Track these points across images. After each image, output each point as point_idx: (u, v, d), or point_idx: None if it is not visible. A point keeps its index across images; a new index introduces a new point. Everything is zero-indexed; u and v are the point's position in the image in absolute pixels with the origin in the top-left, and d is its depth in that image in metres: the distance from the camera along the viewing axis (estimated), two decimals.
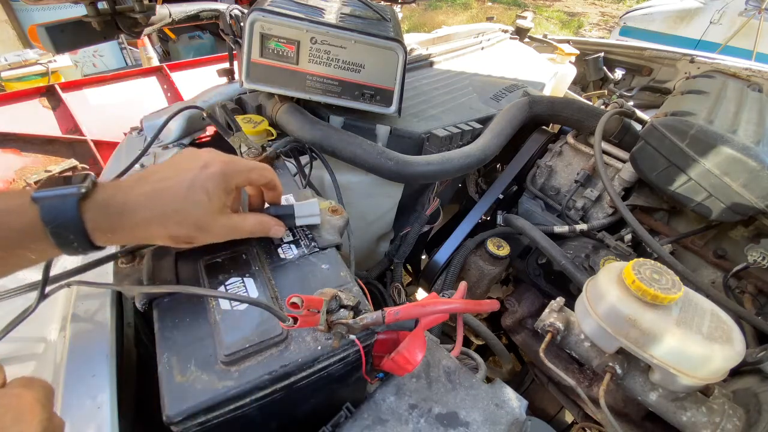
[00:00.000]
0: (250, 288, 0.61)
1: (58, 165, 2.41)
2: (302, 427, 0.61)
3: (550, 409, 1.31)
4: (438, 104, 1.36)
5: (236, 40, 1.24)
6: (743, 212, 1.00)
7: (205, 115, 0.92)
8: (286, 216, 0.70)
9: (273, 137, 1.10)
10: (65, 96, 2.64)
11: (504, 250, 1.26)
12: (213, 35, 5.61)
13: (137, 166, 1.01)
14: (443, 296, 0.99)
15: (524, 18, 2.43)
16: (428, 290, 1.41)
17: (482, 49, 2.03)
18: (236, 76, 1.41)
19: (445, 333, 1.40)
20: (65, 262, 0.77)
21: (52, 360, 0.61)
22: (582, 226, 1.25)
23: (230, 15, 1.23)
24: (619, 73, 2.39)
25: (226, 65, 1.39)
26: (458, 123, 1.25)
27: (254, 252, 0.67)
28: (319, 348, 0.54)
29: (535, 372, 1.26)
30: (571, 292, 1.20)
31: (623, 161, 1.28)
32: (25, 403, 0.34)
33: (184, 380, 0.49)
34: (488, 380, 0.73)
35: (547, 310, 0.90)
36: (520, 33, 2.40)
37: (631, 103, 1.80)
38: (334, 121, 1.13)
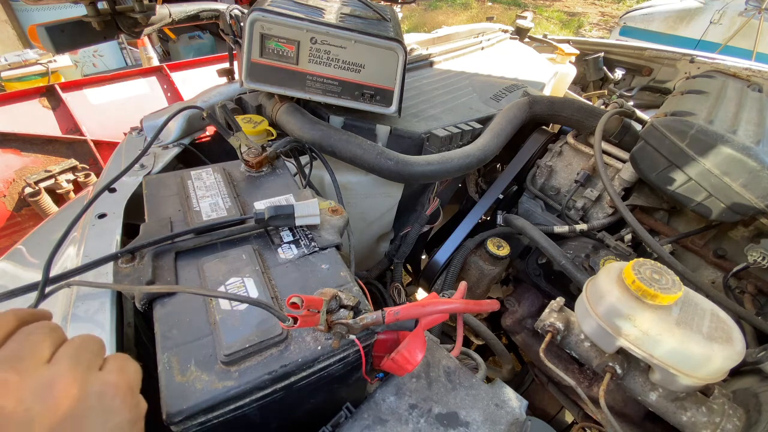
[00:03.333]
0: (250, 288, 0.61)
1: (58, 165, 2.41)
2: (302, 427, 0.61)
3: (550, 409, 1.31)
4: (438, 104, 1.36)
5: (236, 40, 1.24)
6: (743, 212, 1.00)
7: (205, 115, 0.92)
8: (286, 216, 0.70)
9: (273, 137, 1.10)
10: (65, 96, 2.64)
11: (504, 250, 1.26)
12: (213, 35, 5.60)
13: (137, 166, 1.02)
14: (443, 296, 0.99)
15: (524, 18, 2.43)
16: (428, 290, 1.41)
17: (482, 49, 2.03)
18: (236, 76, 1.41)
19: (445, 333, 1.40)
20: (65, 262, 0.77)
21: None
22: (582, 226, 1.25)
23: (230, 15, 1.23)
24: (619, 73, 2.39)
25: (226, 65, 1.39)
26: (458, 123, 1.25)
27: (254, 252, 0.67)
28: (319, 348, 0.55)
29: (535, 372, 1.26)
30: (571, 292, 1.20)
31: (623, 161, 1.28)
32: (119, 392, 0.35)
33: (184, 380, 0.49)
34: (488, 380, 0.73)
35: (547, 310, 0.90)
36: (520, 33, 2.40)
37: (631, 103, 1.80)
38: (334, 121, 1.13)
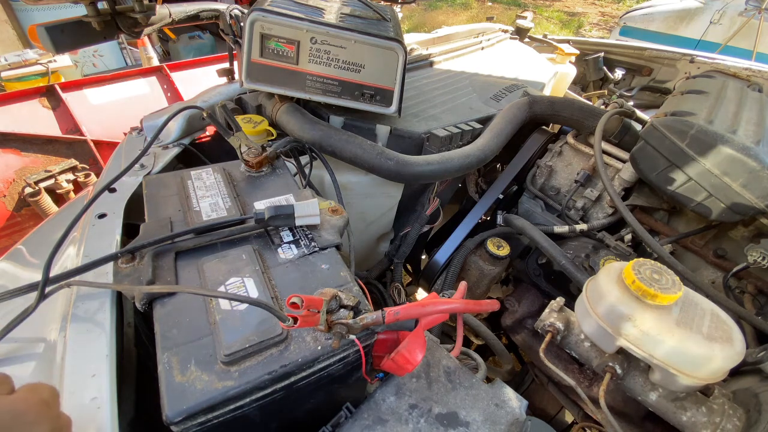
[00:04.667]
0: (250, 288, 0.61)
1: (58, 165, 2.41)
2: (302, 427, 0.61)
3: (550, 409, 1.31)
4: (438, 104, 1.36)
5: (236, 40, 1.24)
6: (743, 212, 1.00)
7: (205, 115, 0.92)
8: (286, 216, 0.70)
9: (273, 137, 1.10)
10: (65, 96, 2.64)
11: (504, 250, 1.26)
12: (213, 35, 5.60)
13: (137, 166, 1.02)
14: (443, 296, 0.99)
15: (524, 18, 2.43)
16: (428, 290, 1.41)
17: (482, 49, 2.03)
18: (236, 76, 1.41)
19: (445, 333, 1.40)
20: (65, 262, 0.77)
21: (52, 360, 0.61)
22: (582, 226, 1.25)
23: (230, 15, 1.23)
24: (619, 73, 2.39)
25: (226, 65, 1.39)
26: (458, 123, 1.25)
27: (254, 252, 0.67)
28: (319, 348, 0.55)
29: (535, 372, 1.26)
30: (571, 292, 1.20)
31: (623, 161, 1.28)
32: (33, 406, 0.37)
33: (184, 380, 0.49)
34: (488, 380, 0.73)
35: (547, 310, 0.90)
36: (520, 33, 2.40)
37: (631, 103, 1.80)
38: (334, 121, 1.13)
